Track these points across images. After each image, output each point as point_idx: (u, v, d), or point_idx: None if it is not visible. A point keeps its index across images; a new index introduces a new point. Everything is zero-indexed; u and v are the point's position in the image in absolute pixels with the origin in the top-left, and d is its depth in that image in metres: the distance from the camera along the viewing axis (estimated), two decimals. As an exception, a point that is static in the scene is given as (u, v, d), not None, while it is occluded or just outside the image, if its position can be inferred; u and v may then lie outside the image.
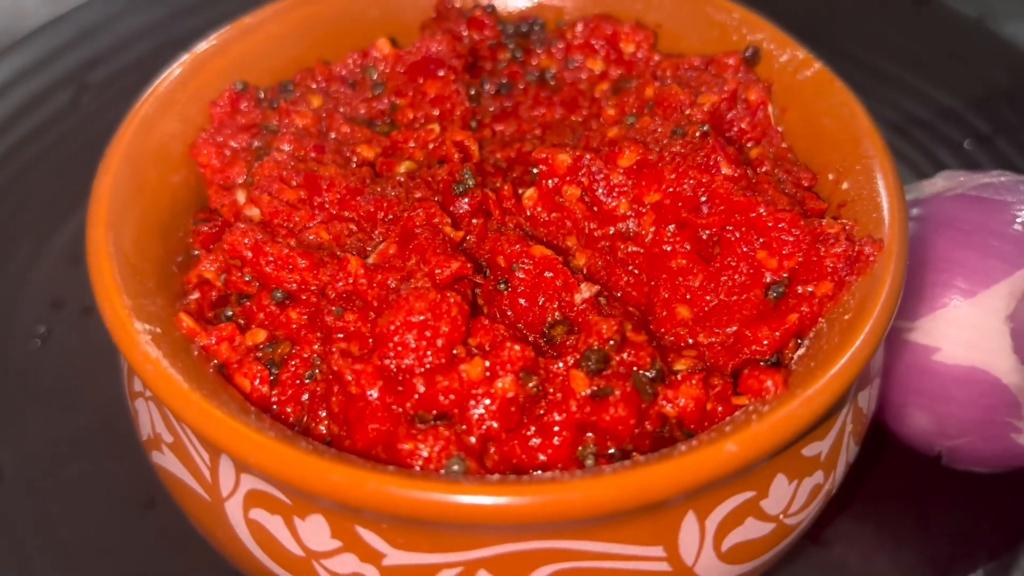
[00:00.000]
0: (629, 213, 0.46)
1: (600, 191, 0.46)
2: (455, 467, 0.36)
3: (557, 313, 0.42)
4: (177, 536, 0.53)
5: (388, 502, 0.34)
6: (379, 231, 0.44)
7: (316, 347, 0.41)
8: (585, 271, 0.44)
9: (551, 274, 0.42)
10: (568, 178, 0.46)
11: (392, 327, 0.38)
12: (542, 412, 0.39)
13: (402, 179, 0.46)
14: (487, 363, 0.38)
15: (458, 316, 0.39)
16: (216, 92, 0.49)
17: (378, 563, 0.37)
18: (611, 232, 0.46)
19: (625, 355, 0.39)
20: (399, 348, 0.38)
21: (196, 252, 0.45)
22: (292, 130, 0.48)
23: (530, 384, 0.38)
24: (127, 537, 0.54)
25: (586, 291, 0.41)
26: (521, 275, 0.42)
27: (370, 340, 0.40)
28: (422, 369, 0.38)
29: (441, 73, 0.51)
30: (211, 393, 0.37)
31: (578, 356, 0.39)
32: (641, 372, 0.39)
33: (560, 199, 0.47)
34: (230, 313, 0.43)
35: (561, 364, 0.39)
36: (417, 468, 0.37)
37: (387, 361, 0.38)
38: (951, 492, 0.56)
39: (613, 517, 0.36)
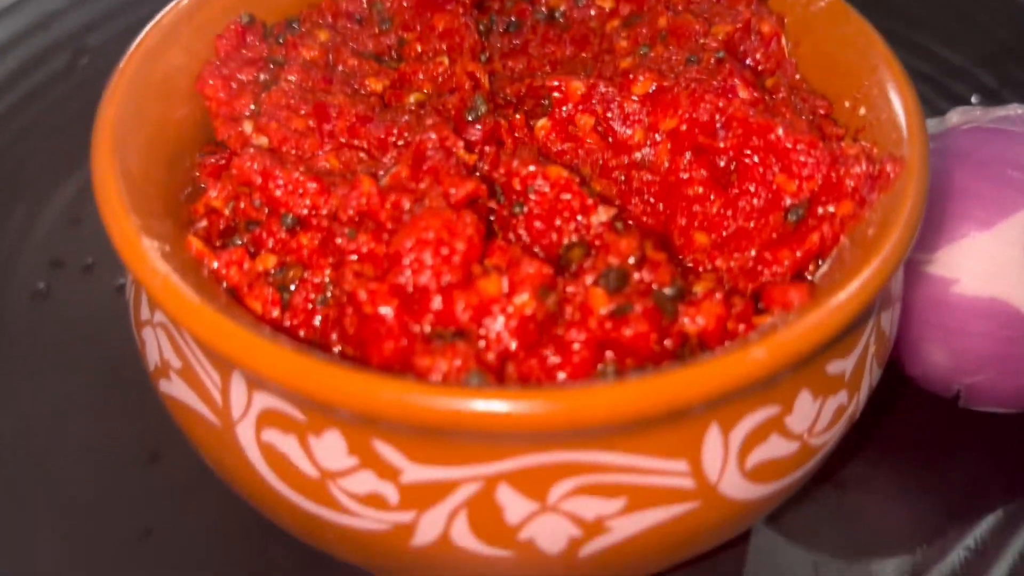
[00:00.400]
0: (644, 141, 0.45)
1: (614, 119, 0.45)
2: (473, 382, 0.36)
3: (574, 236, 0.41)
4: (182, 488, 0.53)
5: (408, 410, 0.33)
6: (391, 155, 0.43)
7: (328, 271, 0.41)
8: (600, 199, 0.44)
9: (568, 195, 0.41)
10: (581, 106, 0.46)
11: (407, 245, 0.38)
12: (560, 332, 0.38)
13: (412, 108, 0.46)
14: (505, 280, 0.37)
15: (474, 234, 0.38)
16: (221, 27, 0.48)
17: (396, 480, 0.36)
18: (626, 161, 0.45)
19: (645, 273, 0.39)
20: (415, 266, 0.38)
21: (203, 185, 0.45)
22: (299, 62, 0.47)
23: (548, 300, 0.37)
24: (132, 493, 0.53)
25: (603, 214, 0.41)
26: (536, 197, 0.41)
27: (384, 261, 0.39)
28: (435, 287, 0.37)
29: (449, 7, 0.50)
30: (223, 308, 0.36)
31: (597, 274, 0.38)
32: (661, 289, 0.38)
33: (573, 128, 0.46)
34: (239, 241, 0.42)
35: (581, 283, 0.38)
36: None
37: (402, 280, 0.38)
38: (968, 435, 0.56)
39: (637, 425, 0.35)
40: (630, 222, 0.43)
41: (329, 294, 0.40)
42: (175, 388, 0.41)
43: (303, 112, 0.44)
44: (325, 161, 0.43)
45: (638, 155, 0.45)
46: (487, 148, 0.44)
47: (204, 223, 0.43)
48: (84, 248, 0.64)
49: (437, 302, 0.37)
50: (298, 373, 0.34)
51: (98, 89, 0.72)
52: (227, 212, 0.43)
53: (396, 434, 0.36)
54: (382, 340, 0.37)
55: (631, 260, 0.39)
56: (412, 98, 0.46)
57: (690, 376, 0.34)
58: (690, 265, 0.43)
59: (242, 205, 0.42)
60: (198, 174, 0.45)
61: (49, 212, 0.66)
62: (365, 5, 0.52)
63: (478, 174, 0.43)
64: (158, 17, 0.47)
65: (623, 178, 0.45)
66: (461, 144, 0.42)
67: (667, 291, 0.38)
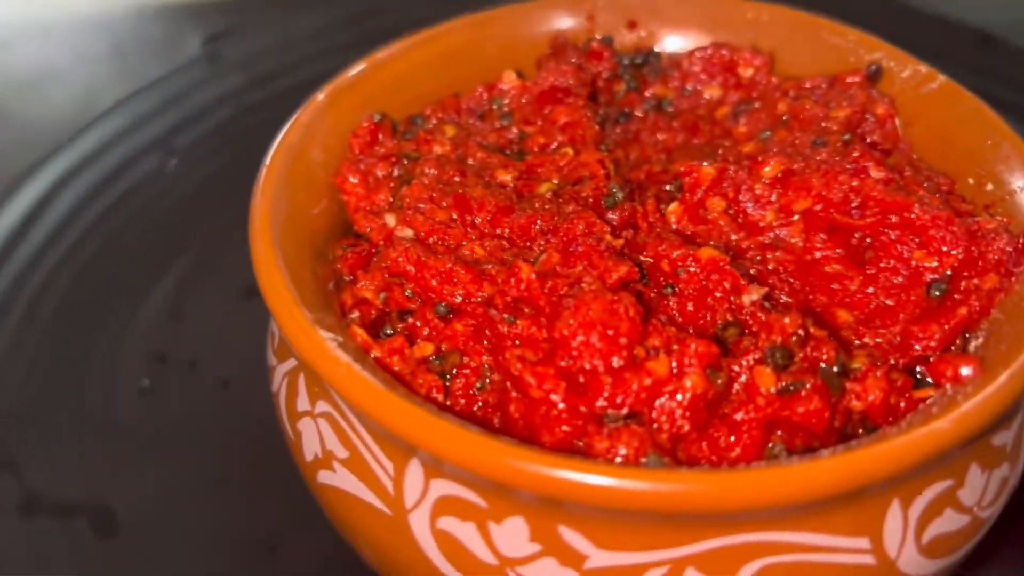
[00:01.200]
0: (777, 222, 0.46)
1: (746, 202, 0.47)
2: (652, 463, 0.36)
3: (728, 315, 0.42)
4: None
5: (603, 494, 0.33)
6: (538, 243, 0.45)
7: (485, 357, 0.41)
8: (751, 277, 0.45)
9: (718, 276, 0.42)
10: (712, 190, 0.47)
11: (571, 329, 0.38)
12: (726, 412, 0.39)
13: (547, 197, 0.47)
14: (673, 361, 0.38)
15: (635, 316, 0.39)
16: (353, 123, 0.50)
17: (579, 566, 0.36)
18: (761, 241, 0.46)
19: (809, 351, 0.39)
20: (580, 349, 0.38)
21: (347, 277, 0.46)
22: (433, 157, 0.49)
23: (717, 380, 0.38)
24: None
25: (755, 292, 0.42)
26: (686, 278, 0.42)
27: (545, 344, 0.40)
28: (604, 369, 0.38)
29: (569, 101, 0.52)
30: (405, 394, 0.37)
31: (761, 353, 0.39)
32: (828, 366, 0.39)
33: (704, 211, 0.47)
34: (389, 331, 0.43)
35: (744, 362, 0.39)
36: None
37: (567, 363, 0.38)
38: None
39: (824, 504, 0.35)
40: (783, 299, 0.44)
41: (488, 380, 0.41)
42: (339, 479, 0.41)
43: (444, 205, 0.46)
44: (470, 250, 0.44)
45: (771, 236, 0.46)
46: (624, 233, 0.46)
47: (356, 314, 0.43)
48: (185, 343, 0.64)
49: (607, 384, 0.37)
50: (488, 456, 0.34)
51: (188, 188, 0.75)
52: (378, 302, 0.44)
53: (583, 519, 0.36)
54: (554, 423, 0.38)
55: (794, 338, 0.39)
56: (544, 188, 0.48)
57: (880, 452, 0.34)
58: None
59: (395, 295, 0.43)
60: (339, 266, 0.46)
61: (148, 308, 0.67)
62: (485, 101, 0.54)
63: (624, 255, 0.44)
64: (296, 115, 0.49)
65: (758, 258, 0.46)
66: (608, 230, 0.44)
67: (833, 368, 0.39)
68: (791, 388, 0.38)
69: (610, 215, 0.46)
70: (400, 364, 0.41)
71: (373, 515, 0.40)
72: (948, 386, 0.39)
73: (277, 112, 0.82)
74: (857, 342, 0.43)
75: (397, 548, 0.40)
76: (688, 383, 0.38)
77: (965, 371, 0.38)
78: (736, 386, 0.39)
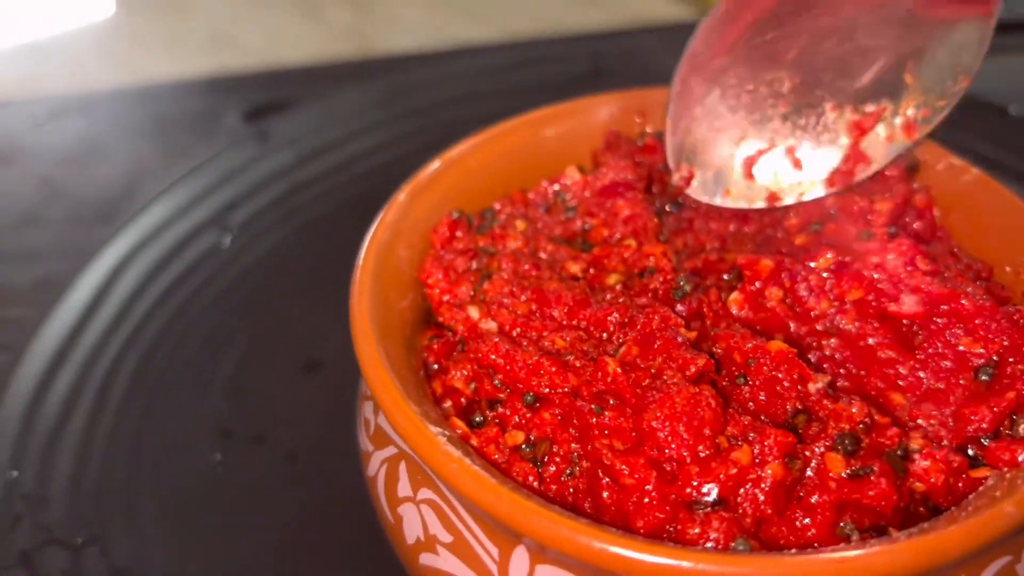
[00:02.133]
0: (831, 310, 0.50)
1: (802, 292, 0.50)
2: (740, 548, 0.39)
3: (797, 403, 0.45)
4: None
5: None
6: (616, 336, 0.48)
7: (574, 445, 0.45)
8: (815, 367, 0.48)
9: (787, 366, 0.46)
10: (770, 281, 0.51)
11: (659, 421, 0.42)
12: (801, 495, 0.42)
13: (616, 288, 0.51)
14: (755, 449, 0.41)
15: (717, 407, 0.43)
16: (431, 219, 0.55)
17: None
18: (816, 329, 0.50)
19: (874, 436, 0.43)
20: (668, 439, 0.42)
21: (434, 366, 0.49)
22: (508, 252, 0.53)
23: (794, 467, 0.42)
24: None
25: (820, 381, 0.45)
26: (755, 367, 0.46)
27: (633, 434, 0.44)
28: (690, 458, 0.42)
29: (629, 195, 0.56)
30: (513, 486, 0.40)
31: (831, 440, 0.43)
32: (892, 450, 0.43)
33: (763, 300, 0.51)
34: (479, 419, 0.47)
35: (816, 448, 0.43)
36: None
37: (656, 453, 0.42)
38: None
39: None
40: (841, 383, 0.47)
41: (577, 467, 0.44)
42: (443, 562, 0.44)
43: (524, 298, 0.50)
44: (551, 341, 0.48)
45: (826, 323, 0.50)
46: (692, 323, 0.49)
47: (449, 403, 0.47)
48: (250, 419, 0.68)
49: (695, 473, 0.41)
50: (592, 544, 0.38)
51: (243, 265, 0.79)
52: (468, 391, 0.47)
53: None
54: (646, 510, 0.41)
55: (861, 425, 0.43)
56: (613, 279, 0.52)
57: (951, 535, 0.38)
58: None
59: (485, 386, 0.47)
60: (426, 355, 0.50)
61: (214, 385, 0.70)
62: (551, 195, 0.58)
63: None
64: (382, 214, 0.53)
65: (815, 344, 0.50)
66: (681, 323, 0.47)
67: (897, 452, 0.43)
68: (860, 472, 0.42)
69: (679, 307, 0.50)
70: (496, 452, 0.44)
71: None
72: (1005, 469, 0.42)
73: (325, 187, 0.87)
74: (911, 423, 0.47)
75: (500, 629, 0.43)
76: (769, 471, 0.41)
77: (1022, 456, 0.42)
78: (809, 471, 0.43)
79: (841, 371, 0.49)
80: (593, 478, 0.43)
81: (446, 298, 0.52)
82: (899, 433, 0.43)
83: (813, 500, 0.42)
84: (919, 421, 0.47)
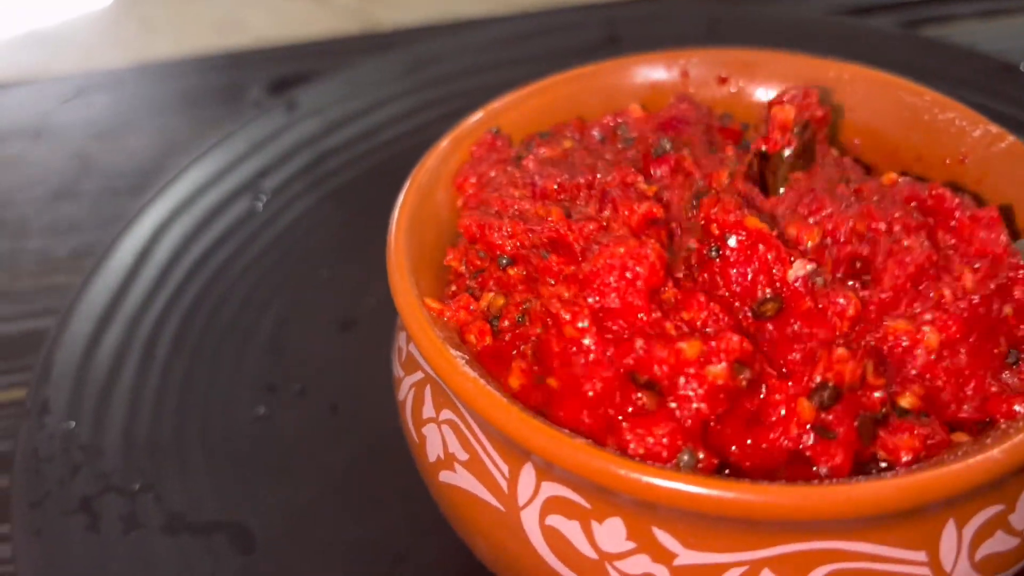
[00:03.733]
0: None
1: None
2: (685, 458, 0.42)
3: (768, 289, 0.46)
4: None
5: (691, 500, 0.40)
6: (582, 194, 0.52)
7: (529, 297, 0.48)
8: (811, 254, 0.48)
9: (763, 247, 0.46)
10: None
11: (593, 268, 0.46)
12: (764, 420, 0.43)
13: (608, 157, 0.55)
14: (705, 346, 0.43)
15: (656, 261, 0.45)
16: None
17: (669, 563, 0.43)
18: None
19: (857, 396, 0.44)
20: (602, 287, 0.45)
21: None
22: (538, 156, 0.57)
23: (741, 376, 0.43)
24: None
25: (799, 268, 0.45)
26: (733, 244, 0.47)
27: (577, 284, 0.47)
28: (633, 330, 0.44)
29: (688, 128, 0.59)
30: (523, 407, 0.44)
31: (812, 388, 0.43)
32: (866, 416, 0.43)
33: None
34: (470, 289, 0.51)
35: (791, 385, 0.44)
36: (640, 453, 0.42)
37: (594, 300, 0.45)
38: None
39: (888, 519, 0.42)
40: (838, 274, 0.48)
41: (526, 317, 0.47)
42: (459, 478, 0.49)
43: (522, 185, 0.54)
44: (527, 207, 0.52)
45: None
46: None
47: (453, 287, 0.52)
48: (292, 374, 0.73)
49: (640, 347, 0.43)
50: (594, 463, 0.41)
51: (276, 229, 0.84)
52: (462, 268, 0.52)
53: (673, 521, 0.43)
54: (590, 369, 0.44)
55: (850, 386, 0.43)
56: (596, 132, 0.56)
57: (939, 475, 0.40)
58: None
59: (471, 258, 0.52)
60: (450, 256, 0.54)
61: (255, 345, 0.75)
62: (611, 126, 0.61)
63: (663, 200, 0.51)
64: (423, 160, 0.57)
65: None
66: (641, 179, 0.51)
67: (874, 416, 0.43)
68: (823, 433, 0.43)
69: (659, 166, 0.52)
70: (465, 317, 0.49)
71: (489, 512, 0.47)
72: (1002, 421, 0.45)
73: (353, 154, 0.92)
74: (921, 375, 0.46)
75: (509, 542, 0.47)
76: (712, 370, 0.42)
77: (1018, 407, 0.45)
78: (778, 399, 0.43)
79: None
80: (544, 323, 0.46)
81: (470, 202, 0.55)
82: (885, 399, 0.43)
83: (771, 436, 0.43)
84: (928, 376, 0.45)
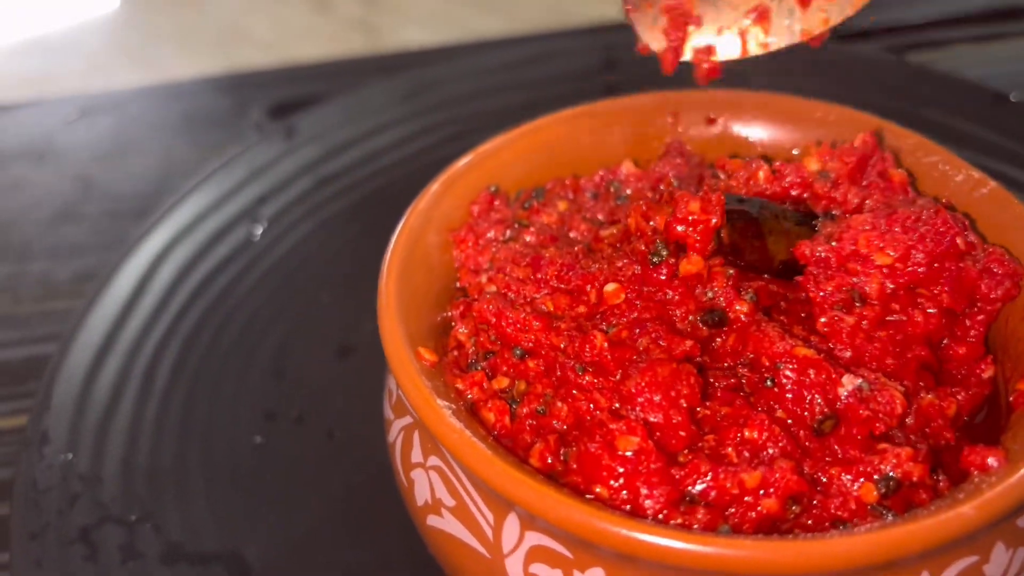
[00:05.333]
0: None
1: None
2: (723, 531, 0.45)
3: (827, 408, 0.48)
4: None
5: (674, 555, 0.42)
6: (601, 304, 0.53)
7: (548, 391, 0.50)
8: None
9: (814, 370, 0.48)
10: None
11: (636, 387, 0.47)
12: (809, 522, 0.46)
13: (608, 252, 0.56)
14: (765, 477, 0.45)
15: (695, 383, 0.48)
16: (461, 208, 0.61)
17: None
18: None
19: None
20: (646, 403, 0.47)
21: (453, 324, 0.56)
22: (537, 225, 0.59)
23: (792, 508, 0.46)
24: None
25: (849, 383, 0.48)
26: (789, 373, 0.49)
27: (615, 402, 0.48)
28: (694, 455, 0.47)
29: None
30: (509, 459, 0.46)
31: (878, 477, 0.46)
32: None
33: None
34: (479, 367, 0.53)
35: (849, 478, 0.46)
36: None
37: (633, 415, 0.47)
38: None
39: (863, 572, 0.43)
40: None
41: (547, 408, 0.49)
42: (446, 524, 0.51)
43: (523, 264, 0.56)
44: (543, 303, 0.54)
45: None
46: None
47: (455, 353, 0.54)
48: (290, 401, 0.75)
49: (703, 470, 0.45)
50: (576, 516, 0.43)
51: (275, 256, 0.85)
52: (470, 345, 0.54)
53: (654, 574, 0.44)
54: (650, 478, 0.45)
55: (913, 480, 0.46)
56: (606, 233, 0.57)
57: (910, 531, 0.42)
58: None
59: (482, 339, 0.53)
60: (450, 314, 0.56)
61: (255, 370, 0.77)
62: (603, 184, 0.63)
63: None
64: (414, 203, 0.59)
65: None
66: (677, 314, 0.52)
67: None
68: (880, 512, 0.45)
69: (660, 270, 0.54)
70: (478, 393, 0.51)
71: (475, 558, 0.49)
72: (975, 473, 0.46)
73: (352, 180, 0.93)
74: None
75: (494, 589, 0.49)
76: (765, 504, 0.45)
77: (991, 461, 0.46)
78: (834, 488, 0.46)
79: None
80: (581, 434, 0.48)
81: (468, 263, 0.58)
82: (931, 495, 0.46)
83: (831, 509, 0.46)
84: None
